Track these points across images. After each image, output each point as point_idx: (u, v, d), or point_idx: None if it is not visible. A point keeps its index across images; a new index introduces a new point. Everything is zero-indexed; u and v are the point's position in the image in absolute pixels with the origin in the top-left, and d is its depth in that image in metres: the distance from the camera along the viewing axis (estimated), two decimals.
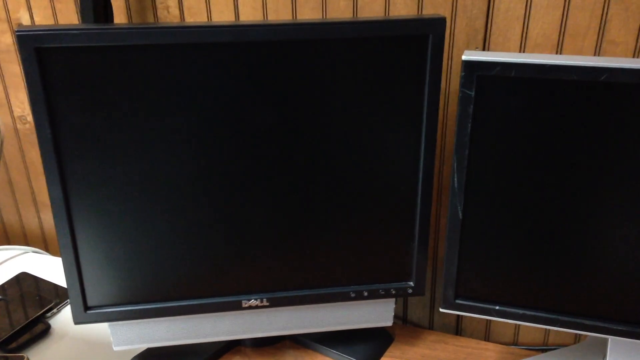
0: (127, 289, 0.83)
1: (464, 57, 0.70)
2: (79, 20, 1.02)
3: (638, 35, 0.77)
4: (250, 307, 0.86)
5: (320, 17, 0.90)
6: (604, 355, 0.87)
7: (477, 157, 0.74)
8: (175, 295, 0.85)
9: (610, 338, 0.85)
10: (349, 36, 0.73)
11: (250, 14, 0.92)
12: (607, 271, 0.76)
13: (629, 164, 0.70)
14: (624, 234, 0.74)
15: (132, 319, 0.85)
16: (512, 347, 0.97)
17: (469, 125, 0.73)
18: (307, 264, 0.85)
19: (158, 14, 0.96)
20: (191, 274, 0.84)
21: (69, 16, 1.02)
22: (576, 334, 0.97)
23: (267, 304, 0.87)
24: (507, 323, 1.00)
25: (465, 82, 0.71)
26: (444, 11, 0.85)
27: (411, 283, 0.88)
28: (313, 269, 0.86)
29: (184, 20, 0.96)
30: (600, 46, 0.79)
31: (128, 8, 0.98)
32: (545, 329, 0.98)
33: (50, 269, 1.17)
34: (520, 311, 0.81)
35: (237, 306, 0.86)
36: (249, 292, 0.86)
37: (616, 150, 0.70)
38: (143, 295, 0.84)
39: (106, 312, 0.84)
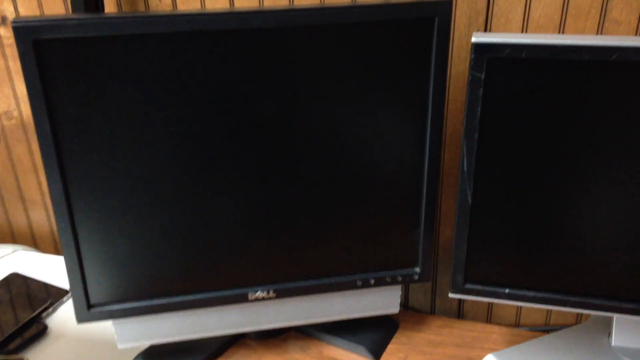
0: (131, 285, 0.81)
1: (473, 40, 0.69)
2: (66, 11, 0.98)
3: (636, 15, 0.77)
4: (256, 300, 0.85)
5: (318, 2, 0.89)
6: (609, 333, 0.88)
7: (486, 141, 0.74)
8: (180, 290, 0.83)
9: (615, 316, 0.85)
10: (352, 21, 0.72)
11: (245, 1, 0.90)
12: (614, 252, 0.77)
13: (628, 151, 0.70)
14: (632, 215, 0.74)
15: (136, 316, 0.83)
16: (517, 328, 0.97)
17: (479, 108, 0.72)
18: (313, 254, 0.84)
19: (149, 2, 0.93)
20: (196, 267, 0.82)
21: (55, 7, 0.99)
22: (577, 314, 0.97)
23: (274, 295, 0.85)
24: (509, 305, 1.00)
25: (475, 64, 0.70)
26: None
27: (417, 269, 0.88)
28: (319, 259, 0.85)
29: (176, 8, 0.93)
30: (602, 26, 0.79)
31: None
32: (547, 310, 0.99)
33: (42, 267, 1.14)
34: (530, 293, 0.81)
35: (243, 299, 0.85)
36: (255, 284, 0.85)
37: (628, 130, 0.70)
38: (147, 291, 0.82)
39: (110, 309, 0.82)
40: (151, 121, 0.73)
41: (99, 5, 0.91)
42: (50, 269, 1.14)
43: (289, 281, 0.86)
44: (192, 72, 0.71)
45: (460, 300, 1.03)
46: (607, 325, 0.91)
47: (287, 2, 0.89)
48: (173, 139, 0.74)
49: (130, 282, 0.81)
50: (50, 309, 1.02)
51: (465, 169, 0.76)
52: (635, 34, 0.78)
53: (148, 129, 0.73)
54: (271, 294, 0.85)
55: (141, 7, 0.95)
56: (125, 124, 0.72)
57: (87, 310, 0.82)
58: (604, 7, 0.78)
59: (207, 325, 0.88)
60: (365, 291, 0.90)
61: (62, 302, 1.04)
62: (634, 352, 0.85)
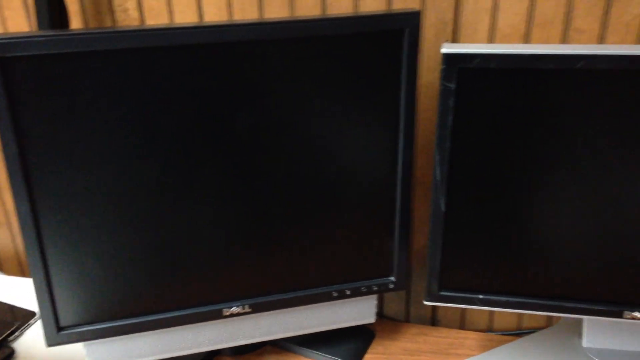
0: (102, 305, 0.80)
1: (443, 50, 0.70)
2: (29, 28, 0.96)
3: (602, 23, 0.79)
4: (231, 315, 0.84)
5: (288, 15, 0.89)
6: (580, 335, 0.90)
7: (458, 149, 0.75)
8: (153, 309, 0.82)
9: (586, 318, 0.87)
10: (322, 34, 0.72)
11: (215, 14, 0.89)
12: (583, 256, 0.78)
13: (609, 152, 0.72)
14: (599, 221, 0.76)
15: (108, 337, 0.82)
16: (490, 333, 0.98)
17: (451, 118, 0.73)
18: (288, 267, 0.84)
19: (116, 17, 0.92)
20: (169, 285, 0.81)
21: (20, 23, 0.96)
22: (548, 317, 0.99)
23: (249, 310, 0.85)
24: (481, 310, 1.01)
25: (445, 75, 0.71)
26: (412, 5, 0.85)
27: (392, 278, 0.88)
28: (294, 271, 0.84)
29: (144, 23, 0.92)
30: (566, 35, 0.81)
31: (83, 12, 0.93)
32: (518, 314, 1.00)
33: (7, 289, 1.11)
34: (504, 298, 0.82)
35: (217, 315, 0.84)
36: (230, 299, 0.84)
37: (596, 137, 0.71)
38: (119, 311, 0.81)
39: (80, 331, 0.80)
40: (122, 138, 0.71)
41: (63, 22, 0.89)
42: (16, 292, 1.10)
43: (264, 295, 0.85)
44: (163, 87, 0.70)
45: (433, 307, 1.04)
46: (577, 327, 0.92)
47: (258, 16, 0.89)
48: (144, 156, 0.73)
49: (101, 302, 0.80)
50: (17, 332, 0.99)
51: (438, 177, 0.76)
52: (598, 42, 0.81)
53: (119, 146, 0.72)
54: (246, 308, 0.84)
55: (108, 23, 0.93)
56: (95, 141, 0.71)
57: (57, 333, 0.80)
58: (568, 16, 0.80)
59: (181, 344, 0.86)
60: (341, 302, 0.90)
61: (30, 325, 1.01)
62: (604, 353, 0.87)
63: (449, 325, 1.04)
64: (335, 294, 0.87)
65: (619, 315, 0.80)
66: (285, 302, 0.86)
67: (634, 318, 0.80)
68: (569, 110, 0.71)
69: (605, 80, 0.68)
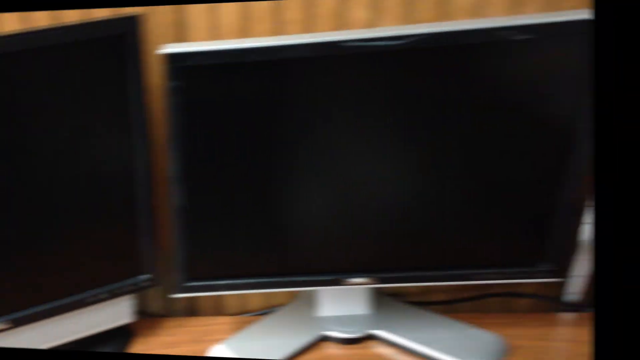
0: None
1: (163, 51, 0.73)
2: None
3: (308, 13, 0.88)
4: None
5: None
6: (316, 305, 0.98)
7: (192, 144, 0.79)
8: None
9: (318, 289, 0.96)
10: (49, 44, 0.73)
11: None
12: (310, 235, 0.87)
13: (328, 137, 0.80)
14: (325, 204, 0.85)
15: None
16: (243, 316, 1.04)
17: (178, 115, 0.77)
18: (37, 279, 0.83)
19: None
20: None
21: None
22: (293, 293, 1.06)
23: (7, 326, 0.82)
24: (234, 295, 1.06)
25: (169, 74, 0.74)
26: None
27: (145, 276, 0.90)
28: (43, 283, 0.83)
29: None
30: (279, 27, 0.88)
31: None
32: (268, 293, 1.06)
33: None
34: (247, 281, 0.89)
35: None
36: None
37: (313, 124, 0.79)
38: None
39: None
40: None
41: None
42: None
43: (20, 310, 0.83)
44: None
45: (191, 298, 1.06)
46: (314, 299, 1.00)
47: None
48: None
49: None
50: None
51: (175, 173, 0.80)
52: (307, 32, 0.88)
53: None
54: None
55: None
56: None
57: None
58: (279, 10, 0.87)
59: None
60: (97, 306, 0.89)
61: None
62: (335, 320, 0.96)
63: (206, 314, 1.08)
64: (90, 299, 0.87)
65: (338, 283, 0.89)
66: (38, 315, 0.84)
67: (350, 284, 0.90)
68: (286, 98, 0.78)
69: (315, 67, 0.76)
